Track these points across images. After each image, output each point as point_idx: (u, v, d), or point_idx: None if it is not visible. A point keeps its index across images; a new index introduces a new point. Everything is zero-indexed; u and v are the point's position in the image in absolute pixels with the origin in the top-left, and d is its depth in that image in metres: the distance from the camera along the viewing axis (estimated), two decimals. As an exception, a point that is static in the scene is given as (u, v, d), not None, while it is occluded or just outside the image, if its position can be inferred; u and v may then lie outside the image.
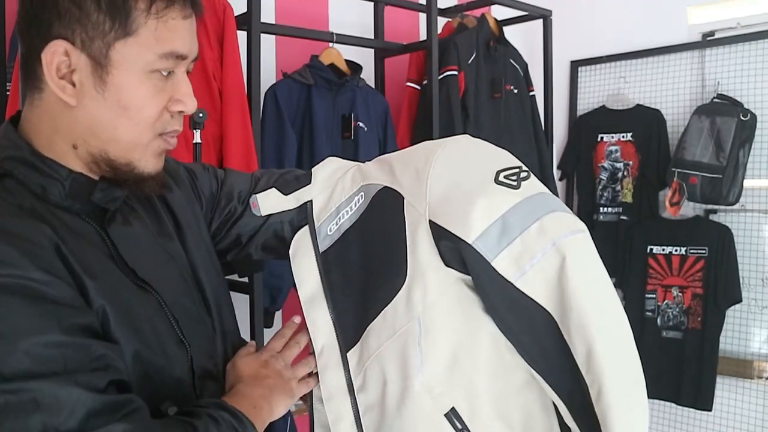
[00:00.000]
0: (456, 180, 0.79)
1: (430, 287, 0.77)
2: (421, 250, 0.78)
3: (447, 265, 0.77)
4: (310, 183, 0.91)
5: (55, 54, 0.70)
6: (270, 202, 0.92)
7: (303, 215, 0.91)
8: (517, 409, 0.78)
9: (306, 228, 0.90)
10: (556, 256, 0.72)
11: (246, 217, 0.95)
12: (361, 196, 0.87)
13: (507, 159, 0.81)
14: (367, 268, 0.84)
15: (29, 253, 0.64)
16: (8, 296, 0.62)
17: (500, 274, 0.72)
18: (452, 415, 0.76)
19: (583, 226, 0.76)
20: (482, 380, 0.77)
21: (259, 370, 0.86)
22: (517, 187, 0.76)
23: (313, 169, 0.94)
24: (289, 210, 0.92)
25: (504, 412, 0.77)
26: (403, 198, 0.81)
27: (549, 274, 0.72)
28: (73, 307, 0.65)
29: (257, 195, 0.93)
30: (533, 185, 0.77)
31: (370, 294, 0.82)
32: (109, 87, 0.71)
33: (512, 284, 0.72)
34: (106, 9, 0.69)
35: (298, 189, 0.91)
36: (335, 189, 0.90)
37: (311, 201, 0.90)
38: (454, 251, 0.75)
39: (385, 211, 0.83)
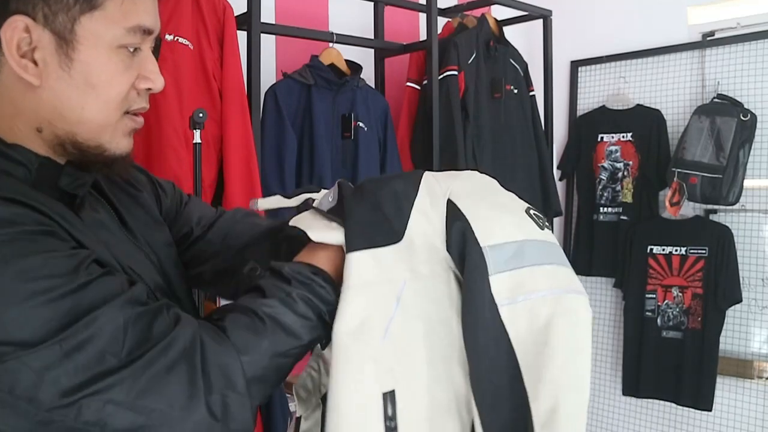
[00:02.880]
0: (485, 190, 0.77)
1: (422, 258, 0.73)
2: (427, 221, 0.73)
3: (447, 250, 0.73)
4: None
5: (15, 30, 0.66)
6: (270, 202, 0.93)
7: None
8: (445, 425, 0.73)
9: (305, 212, 0.85)
10: (554, 305, 0.70)
11: (202, 243, 0.96)
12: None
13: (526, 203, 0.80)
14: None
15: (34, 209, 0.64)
16: (45, 238, 0.62)
17: (491, 291, 0.70)
18: (389, 398, 0.70)
19: (584, 291, 0.75)
20: (424, 381, 0.71)
21: None
22: (542, 228, 0.75)
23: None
24: (287, 208, 0.91)
25: (434, 424, 0.72)
26: (423, 173, 0.78)
27: (537, 318, 0.69)
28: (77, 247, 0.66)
29: (257, 200, 0.94)
30: (553, 236, 0.77)
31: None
32: (76, 64, 0.68)
33: (496, 306, 0.69)
34: None
35: (300, 194, 0.90)
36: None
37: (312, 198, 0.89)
38: (461, 236, 0.72)
39: (397, 176, 0.79)
